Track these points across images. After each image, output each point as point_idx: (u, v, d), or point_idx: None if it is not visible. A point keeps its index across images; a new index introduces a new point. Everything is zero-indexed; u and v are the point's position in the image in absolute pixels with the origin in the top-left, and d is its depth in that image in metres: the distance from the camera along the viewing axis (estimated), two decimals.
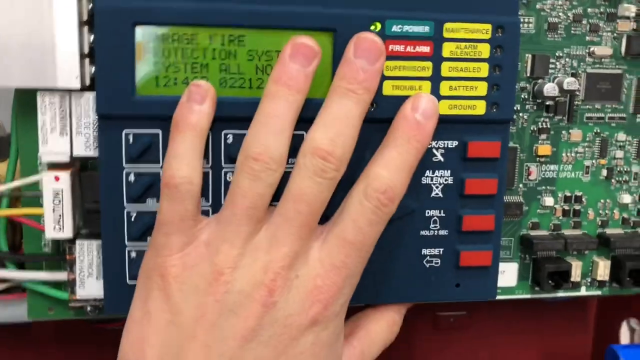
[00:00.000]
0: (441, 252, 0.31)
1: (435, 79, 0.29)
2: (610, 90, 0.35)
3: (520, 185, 0.35)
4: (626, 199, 0.36)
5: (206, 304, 0.26)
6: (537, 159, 0.35)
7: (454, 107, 0.29)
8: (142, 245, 0.28)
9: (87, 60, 0.28)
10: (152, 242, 0.27)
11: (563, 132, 0.35)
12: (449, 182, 0.30)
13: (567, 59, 0.34)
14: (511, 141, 0.34)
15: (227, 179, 0.28)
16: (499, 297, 0.35)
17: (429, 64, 0.29)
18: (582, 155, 0.35)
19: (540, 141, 0.34)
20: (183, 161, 0.26)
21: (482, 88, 0.29)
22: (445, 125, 0.29)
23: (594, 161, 0.35)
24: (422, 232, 0.30)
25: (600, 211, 0.36)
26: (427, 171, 0.30)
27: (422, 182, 0.30)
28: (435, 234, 0.31)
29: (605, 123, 0.35)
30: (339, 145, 0.26)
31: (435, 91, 0.29)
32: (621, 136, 0.35)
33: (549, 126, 0.34)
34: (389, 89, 0.29)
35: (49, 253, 0.31)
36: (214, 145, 0.28)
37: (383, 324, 0.31)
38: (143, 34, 0.27)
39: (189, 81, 0.27)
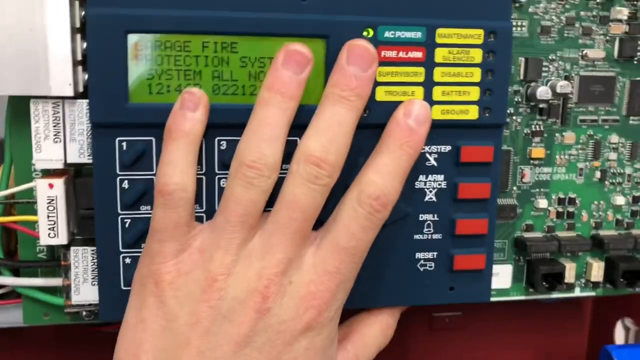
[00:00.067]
0: (435, 256, 0.31)
1: (428, 85, 0.29)
2: (603, 92, 0.35)
3: (514, 188, 0.35)
4: (619, 200, 0.36)
5: (200, 311, 0.26)
6: (531, 161, 0.35)
7: (447, 112, 0.29)
8: (137, 252, 0.28)
9: (80, 68, 0.28)
10: (146, 249, 0.27)
11: (556, 134, 0.35)
12: (443, 186, 0.30)
13: (560, 62, 0.34)
14: (505, 144, 0.34)
15: (221, 185, 0.29)
16: (493, 299, 0.35)
17: (422, 69, 0.29)
18: (575, 157, 0.35)
19: (533, 144, 0.35)
20: (176, 168, 0.26)
21: (474, 93, 0.30)
22: (438, 130, 0.29)
23: (587, 163, 0.35)
24: (416, 236, 0.31)
25: (594, 213, 0.36)
26: (421, 176, 0.30)
27: (416, 187, 0.30)
28: (429, 237, 0.31)
29: (599, 125, 0.35)
30: (332, 152, 0.26)
31: (428, 96, 0.29)
32: (614, 138, 0.36)
33: (542, 129, 0.34)
34: (381, 94, 0.29)
35: (44, 259, 0.31)
36: (207, 152, 0.28)
37: (377, 328, 0.31)
38: (135, 41, 0.27)
39: (182, 88, 0.27)
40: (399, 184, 0.28)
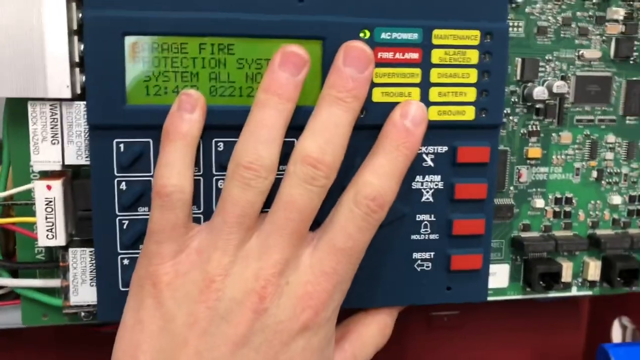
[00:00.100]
0: (432, 256, 0.31)
1: (425, 86, 0.29)
2: (600, 92, 0.35)
3: (511, 188, 0.35)
4: (616, 200, 0.36)
5: (198, 311, 0.26)
6: (528, 161, 0.35)
7: (444, 112, 0.30)
8: (135, 253, 0.29)
9: (77, 70, 0.28)
10: (144, 251, 0.27)
11: (553, 134, 0.35)
12: (439, 187, 0.30)
13: (556, 62, 0.34)
14: (502, 144, 0.34)
15: (219, 186, 0.29)
16: (490, 298, 0.35)
17: (418, 70, 0.29)
18: (572, 157, 0.35)
19: (530, 144, 0.35)
20: (174, 170, 0.27)
21: (471, 94, 0.30)
22: (435, 130, 0.29)
23: (584, 163, 0.36)
24: (413, 237, 0.31)
25: (591, 212, 0.36)
26: (418, 176, 0.30)
27: (413, 187, 0.30)
28: (426, 238, 0.31)
29: (595, 125, 0.35)
30: (328, 153, 0.26)
31: (424, 97, 0.29)
32: (611, 138, 0.36)
33: (539, 129, 0.35)
34: (378, 95, 0.29)
35: (42, 260, 0.31)
36: (204, 153, 0.28)
37: (374, 327, 0.31)
38: (133, 43, 0.27)
39: (179, 90, 0.28)
40: (396, 184, 0.28)
